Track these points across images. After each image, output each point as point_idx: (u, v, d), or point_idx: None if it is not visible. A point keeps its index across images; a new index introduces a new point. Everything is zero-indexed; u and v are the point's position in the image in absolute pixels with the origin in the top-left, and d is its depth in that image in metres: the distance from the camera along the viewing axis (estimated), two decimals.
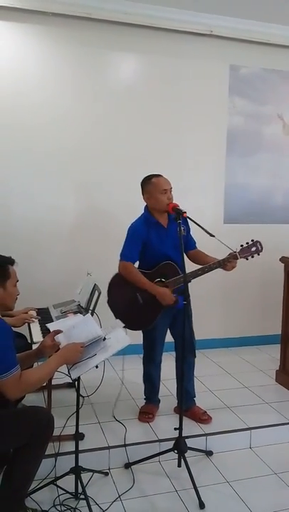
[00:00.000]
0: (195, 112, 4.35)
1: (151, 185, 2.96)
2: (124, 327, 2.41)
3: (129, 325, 2.85)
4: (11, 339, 2.03)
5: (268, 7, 3.96)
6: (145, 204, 3.08)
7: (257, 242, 2.96)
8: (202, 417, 3.06)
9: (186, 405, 3.00)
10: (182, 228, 2.85)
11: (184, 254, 2.95)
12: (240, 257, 2.91)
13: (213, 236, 2.72)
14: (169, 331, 3.12)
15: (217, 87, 4.42)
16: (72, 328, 2.32)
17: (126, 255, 2.99)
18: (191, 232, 3.10)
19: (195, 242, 3.15)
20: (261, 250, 2.96)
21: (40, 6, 3.77)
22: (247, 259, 2.95)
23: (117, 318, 2.94)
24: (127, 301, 2.97)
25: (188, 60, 4.29)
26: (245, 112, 4.54)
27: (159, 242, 2.96)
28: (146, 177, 3.02)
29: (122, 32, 4.06)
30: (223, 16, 4.14)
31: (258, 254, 2.97)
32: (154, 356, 3.12)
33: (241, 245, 2.94)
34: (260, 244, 2.96)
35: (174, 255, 2.95)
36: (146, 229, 2.97)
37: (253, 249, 2.94)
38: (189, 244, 3.11)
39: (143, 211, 3.08)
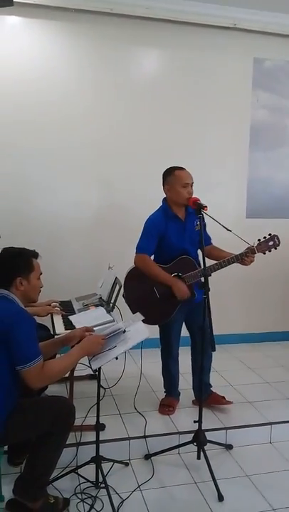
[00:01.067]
0: (218, 106, 4.33)
1: (173, 177, 2.96)
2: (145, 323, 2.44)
3: (146, 319, 2.84)
4: (34, 329, 2.08)
5: None
6: (164, 196, 3.07)
7: (274, 236, 2.95)
8: (222, 400, 3.11)
9: (205, 394, 3.02)
10: (198, 223, 2.86)
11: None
12: (258, 252, 2.91)
13: (230, 231, 2.73)
14: (184, 324, 3.14)
15: (241, 81, 4.39)
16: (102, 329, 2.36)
17: (142, 247, 2.98)
18: (207, 229, 3.08)
19: (210, 238, 3.14)
20: (279, 244, 2.95)
21: (62, 3, 3.82)
22: (264, 253, 2.94)
23: (133, 312, 2.97)
24: (143, 294, 2.97)
25: (212, 53, 4.26)
26: (269, 105, 4.49)
27: (177, 235, 2.96)
28: (169, 168, 3.01)
29: (144, 26, 4.07)
30: (246, 9, 4.11)
31: (275, 248, 2.95)
32: (171, 350, 3.14)
33: (259, 239, 2.94)
34: (278, 239, 2.95)
35: (191, 250, 2.97)
36: (165, 222, 2.97)
37: (271, 243, 2.94)
38: (205, 239, 3.03)
39: (161, 203, 3.08)
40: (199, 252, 3.03)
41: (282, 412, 3.13)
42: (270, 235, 2.96)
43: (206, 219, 2.90)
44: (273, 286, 4.61)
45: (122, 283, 3.07)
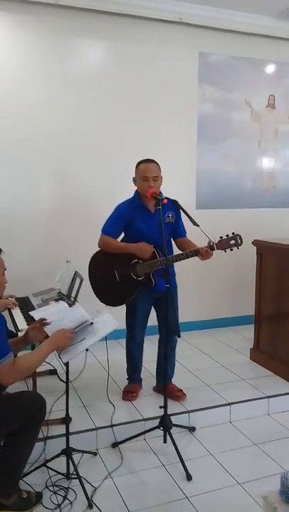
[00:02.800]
0: (165, 100, 4.41)
1: (137, 170, 3.04)
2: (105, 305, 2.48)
3: (108, 300, 3.08)
4: (4, 327, 2.06)
5: None
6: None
7: (237, 235, 2.92)
8: (176, 394, 3.19)
9: (163, 384, 3.12)
10: (170, 215, 3.00)
11: (173, 241, 3.14)
12: (217, 249, 2.91)
13: (198, 225, 2.83)
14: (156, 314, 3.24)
15: (187, 75, 4.49)
16: (61, 319, 2.36)
17: (105, 230, 3.09)
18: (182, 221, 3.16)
19: (185, 232, 3.19)
20: (241, 244, 2.92)
21: None
22: (225, 251, 2.93)
23: (95, 291, 3.15)
24: (105, 277, 3.09)
25: (158, 47, 4.33)
26: (215, 99, 4.64)
27: (144, 225, 3.04)
28: (138, 161, 3.07)
29: (91, 19, 4.05)
30: (192, 4, 4.20)
31: (238, 248, 2.93)
32: (134, 335, 3.22)
33: (221, 237, 2.93)
34: (240, 238, 2.92)
35: (159, 240, 2.97)
36: (131, 210, 3.05)
37: (232, 242, 2.91)
38: (178, 232, 3.15)
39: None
40: (173, 244, 3.18)
41: (239, 393, 3.29)
42: (233, 233, 2.93)
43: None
44: (223, 273, 4.79)
45: (88, 266, 3.15)
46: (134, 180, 3.07)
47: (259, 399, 3.23)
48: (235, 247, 2.92)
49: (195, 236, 3.08)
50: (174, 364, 3.32)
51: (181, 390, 3.23)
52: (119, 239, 3.16)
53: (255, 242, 3.84)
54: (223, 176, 4.75)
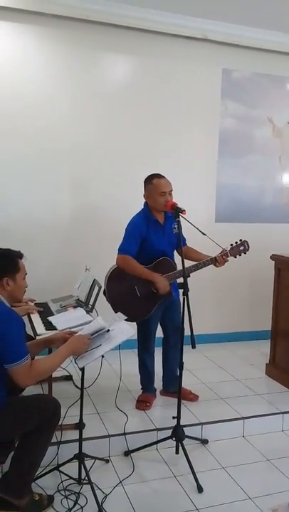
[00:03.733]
0: (188, 114, 4.48)
1: (151, 185, 3.08)
2: (126, 319, 2.52)
3: (130, 316, 2.98)
4: (23, 329, 2.12)
5: (260, 13, 4.11)
6: (142, 199, 3.19)
7: (244, 241, 3.19)
8: (189, 396, 3.24)
9: (174, 387, 3.15)
10: (175, 226, 3.04)
11: (176, 251, 3.18)
12: (230, 255, 3.14)
13: (205, 234, 2.87)
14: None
15: (210, 90, 4.56)
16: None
17: (124, 249, 3.09)
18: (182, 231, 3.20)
19: (186, 239, 3.27)
20: (248, 249, 3.20)
21: (39, 8, 3.85)
22: (236, 257, 3.17)
23: (115, 310, 3.07)
24: (125, 293, 3.09)
25: (183, 63, 4.41)
26: (237, 114, 4.69)
27: (157, 238, 3.11)
28: (149, 176, 3.13)
29: (119, 34, 4.16)
30: (216, 21, 4.27)
31: (245, 253, 3.20)
32: (148, 346, 3.26)
33: (231, 244, 3.17)
34: (247, 244, 3.20)
35: (168, 251, 3.14)
36: (146, 225, 3.10)
37: (241, 248, 3.18)
38: (180, 241, 3.19)
39: (143, 206, 3.20)
40: (175, 253, 3.20)
41: (253, 408, 3.27)
42: (240, 240, 3.20)
43: (182, 222, 3.02)
44: (240, 287, 4.79)
45: (104, 283, 3.14)
46: (146, 196, 3.12)
47: (273, 414, 3.21)
48: (244, 253, 3.19)
49: (207, 247, 3.15)
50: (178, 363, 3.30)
51: (190, 391, 3.31)
52: None
53: (273, 257, 3.84)
54: (243, 191, 4.77)
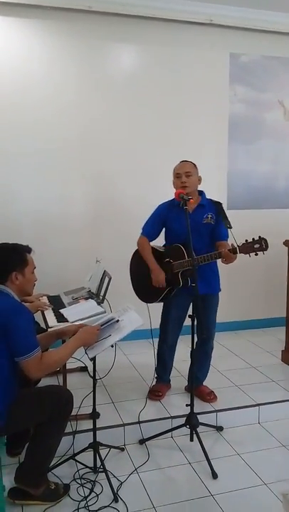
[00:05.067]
0: (197, 101, 4.43)
1: (174, 170, 3.11)
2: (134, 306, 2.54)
3: (143, 296, 3.21)
4: (31, 322, 2.15)
5: None
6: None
7: (262, 239, 2.73)
8: (207, 397, 3.18)
9: (194, 384, 3.11)
10: (210, 216, 3.04)
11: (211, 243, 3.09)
12: (240, 252, 2.77)
13: (231, 228, 2.84)
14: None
15: (218, 76, 4.49)
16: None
17: (145, 230, 3.21)
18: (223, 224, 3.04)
19: (227, 236, 3.03)
20: (266, 249, 2.73)
21: (40, 1, 3.84)
22: (250, 255, 2.77)
23: (133, 285, 3.27)
24: (140, 274, 3.21)
25: (189, 49, 4.35)
26: (246, 99, 4.61)
27: (178, 224, 3.03)
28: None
29: (122, 23, 4.13)
30: (222, 5, 4.20)
31: (263, 253, 2.74)
32: (166, 337, 3.24)
33: (246, 240, 2.77)
34: (266, 243, 2.72)
35: (195, 240, 2.81)
36: (167, 209, 3.13)
37: (257, 246, 2.73)
38: (218, 235, 3.06)
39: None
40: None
41: (268, 394, 3.26)
42: (259, 237, 2.74)
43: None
44: (254, 274, 4.74)
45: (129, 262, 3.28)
46: (173, 182, 3.12)
47: None
48: (261, 252, 2.74)
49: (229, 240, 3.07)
50: (207, 368, 3.30)
51: (212, 391, 3.23)
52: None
53: (287, 243, 3.79)
54: (254, 176, 4.71)
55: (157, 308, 3.22)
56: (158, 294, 3.13)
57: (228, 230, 2.87)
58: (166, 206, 3.16)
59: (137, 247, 3.25)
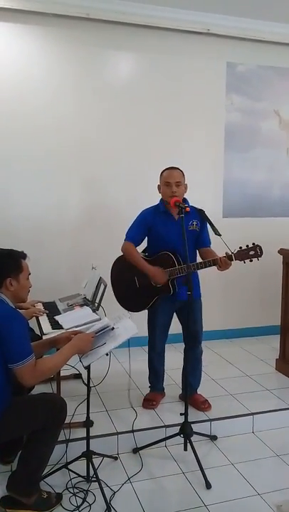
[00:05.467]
0: (194, 109, 4.45)
1: (161, 176, 3.09)
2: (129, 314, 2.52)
3: (128, 305, 3.14)
4: (26, 329, 2.14)
5: (263, 5, 4.06)
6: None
7: (257, 246, 2.81)
8: (202, 405, 3.16)
9: (188, 393, 3.10)
10: (194, 223, 3.03)
11: (197, 251, 3.14)
12: (236, 259, 2.82)
13: (220, 235, 2.84)
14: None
15: (215, 85, 4.52)
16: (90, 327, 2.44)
17: (129, 236, 3.14)
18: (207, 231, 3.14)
19: (210, 242, 3.15)
20: (261, 255, 2.81)
21: (40, 8, 3.86)
22: (244, 262, 2.84)
23: (116, 295, 3.20)
24: (125, 281, 3.15)
25: (186, 58, 4.38)
26: (243, 108, 4.64)
27: (165, 231, 3.05)
28: (164, 169, 3.12)
29: (120, 31, 4.15)
30: (219, 15, 4.23)
31: (258, 259, 2.83)
32: (154, 344, 3.23)
33: (240, 247, 2.83)
34: (260, 249, 2.80)
35: (179, 247, 2.93)
36: (153, 215, 3.11)
37: (252, 252, 2.80)
38: (202, 241, 3.12)
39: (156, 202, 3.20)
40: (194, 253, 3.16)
41: (263, 403, 3.25)
42: (253, 244, 2.82)
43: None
44: (249, 282, 4.75)
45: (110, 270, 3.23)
46: (159, 187, 3.11)
47: (283, 410, 3.19)
48: (255, 259, 2.81)
49: (219, 247, 3.05)
50: (200, 374, 3.29)
51: (206, 400, 3.21)
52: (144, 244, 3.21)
53: (281, 251, 3.80)
54: (250, 185, 4.73)
55: (140, 315, 3.16)
56: (146, 303, 3.10)
57: (219, 237, 2.87)
58: (151, 212, 3.13)
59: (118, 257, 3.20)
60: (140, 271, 3.05)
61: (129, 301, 3.16)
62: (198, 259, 3.14)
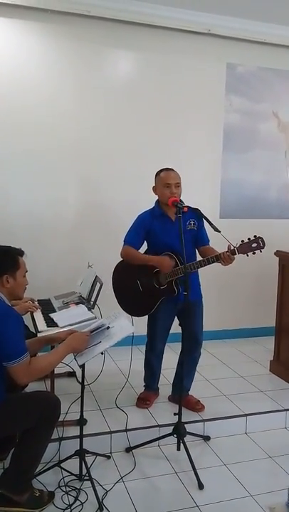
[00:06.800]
0: (193, 109, 4.44)
1: (158, 178, 3.07)
2: (129, 316, 2.52)
3: (131, 311, 3.11)
4: (21, 326, 2.13)
5: (265, 7, 4.06)
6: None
7: (259, 238, 2.78)
8: (195, 406, 3.16)
9: (178, 394, 3.10)
10: (192, 222, 3.02)
11: (197, 250, 3.14)
12: (239, 253, 2.79)
13: (219, 231, 2.85)
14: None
15: (214, 85, 4.52)
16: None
17: (127, 240, 3.13)
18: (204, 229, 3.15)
19: (208, 240, 3.16)
20: (263, 247, 2.78)
21: (40, 3, 3.84)
22: (247, 255, 2.81)
23: (119, 302, 3.17)
24: (128, 288, 3.13)
25: (186, 58, 4.37)
26: (242, 109, 4.64)
27: (163, 233, 3.05)
28: (159, 170, 3.10)
29: (121, 29, 4.14)
30: (220, 16, 4.23)
31: (260, 251, 2.79)
32: (153, 345, 3.23)
33: (242, 240, 2.80)
34: (262, 241, 2.78)
35: (179, 247, 2.90)
36: (150, 219, 3.09)
37: (254, 245, 2.77)
38: (201, 240, 3.13)
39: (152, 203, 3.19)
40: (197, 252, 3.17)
41: (256, 404, 3.26)
42: (255, 236, 2.80)
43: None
44: (245, 283, 4.76)
45: (112, 275, 3.20)
46: (154, 189, 3.09)
47: (276, 411, 3.20)
48: (258, 251, 2.78)
49: (218, 245, 3.05)
50: (193, 376, 3.29)
51: (199, 401, 3.21)
52: (142, 249, 3.19)
53: (277, 253, 3.81)
54: (248, 186, 4.73)
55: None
56: (151, 305, 3.09)
57: (218, 235, 2.88)
58: (149, 215, 3.12)
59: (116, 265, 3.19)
60: (146, 275, 3.04)
61: (136, 306, 3.13)
62: (199, 259, 3.13)
